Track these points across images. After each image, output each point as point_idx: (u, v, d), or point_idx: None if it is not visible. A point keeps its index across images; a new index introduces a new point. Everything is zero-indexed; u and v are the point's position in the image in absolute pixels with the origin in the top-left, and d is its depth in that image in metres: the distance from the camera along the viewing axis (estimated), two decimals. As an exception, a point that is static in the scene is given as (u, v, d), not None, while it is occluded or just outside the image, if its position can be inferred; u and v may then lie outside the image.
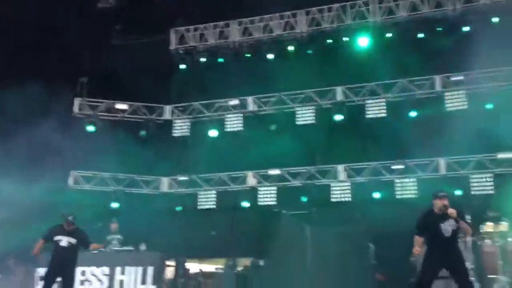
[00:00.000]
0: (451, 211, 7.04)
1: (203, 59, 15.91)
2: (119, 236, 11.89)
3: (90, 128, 15.29)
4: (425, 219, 7.36)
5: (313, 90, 14.86)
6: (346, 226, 12.61)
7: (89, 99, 15.63)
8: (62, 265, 8.88)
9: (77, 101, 15.50)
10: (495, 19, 13.44)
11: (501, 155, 12.92)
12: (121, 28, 15.95)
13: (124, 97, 15.63)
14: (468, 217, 9.64)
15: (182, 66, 16.00)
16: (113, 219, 12.09)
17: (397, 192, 13.30)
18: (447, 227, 7.17)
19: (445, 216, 7.15)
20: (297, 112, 14.77)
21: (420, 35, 14.02)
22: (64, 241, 8.94)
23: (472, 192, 12.77)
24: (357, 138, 13.72)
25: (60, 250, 8.93)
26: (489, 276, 9.24)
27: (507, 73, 13.36)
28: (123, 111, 15.83)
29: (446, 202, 7.15)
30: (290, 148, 14.01)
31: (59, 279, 8.99)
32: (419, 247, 7.28)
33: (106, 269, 11.00)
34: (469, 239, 9.60)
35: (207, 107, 15.83)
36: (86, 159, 14.67)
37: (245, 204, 14.55)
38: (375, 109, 14.07)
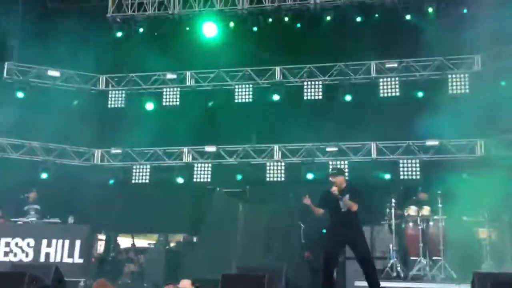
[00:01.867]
0: (334, 188, 7.55)
1: (141, 29, 15.53)
2: (37, 206, 11.60)
3: (20, 95, 14.65)
4: (325, 195, 7.80)
5: (252, 68, 14.85)
6: (279, 205, 12.87)
7: (19, 64, 14.94)
8: None
9: (6, 65, 14.76)
10: (430, 9, 13.85)
11: (429, 142, 13.48)
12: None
13: (57, 63, 15.02)
14: (393, 201, 10.15)
15: (119, 35, 15.51)
16: (32, 189, 11.76)
17: (331, 174, 13.59)
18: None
19: (342, 193, 7.61)
20: (235, 90, 14.74)
21: (358, 19, 14.23)
22: None
23: (401, 177, 13.28)
24: (293, 118, 13.85)
25: None
26: (411, 257, 9.75)
27: (438, 63, 13.89)
28: (55, 78, 15.24)
29: (332, 179, 7.66)
30: (227, 126, 14.02)
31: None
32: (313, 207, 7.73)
33: (31, 241, 10.75)
34: (393, 222, 10.08)
35: (144, 80, 15.51)
36: (15, 127, 14.09)
37: (180, 180, 14.47)
38: (312, 91, 14.26)
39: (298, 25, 14.58)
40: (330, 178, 7.86)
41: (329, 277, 7.79)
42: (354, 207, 7.60)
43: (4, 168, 13.62)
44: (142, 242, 16.13)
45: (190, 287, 5.10)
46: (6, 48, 14.82)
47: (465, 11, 13.30)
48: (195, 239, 13.81)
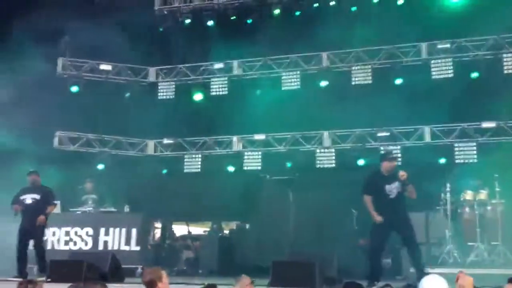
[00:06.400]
0: (402, 173, 7.33)
1: (187, 21, 15.74)
2: (94, 196, 11.97)
3: (74, 89, 15.10)
4: (371, 179, 7.63)
5: (298, 55, 14.73)
6: (330, 191, 12.78)
7: (72, 59, 15.35)
8: (30, 223, 8.95)
9: (60, 61, 15.21)
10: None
11: (485, 124, 13.03)
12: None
13: (107, 57, 15.37)
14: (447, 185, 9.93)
15: (167, 27, 15.76)
16: (87, 179, 12.14)
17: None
18: (392, 188, 7.44)
19: (390, 178, 7.41)
20: (283, 77, 14.69)
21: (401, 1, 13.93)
22: (28, 198, 9.06)
23: (456, 161, 12.91)
24: (342, 104, 13.65)
25: (26, 208, 9.02)
26: (468, 243, 9.52)
27: (493, 42, 13.39)
28: (107, 72, 15.61)
29: (395, 164, 7.48)
30: (276, 114, 13.99)
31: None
32: (372, 209, 7.53)
33: (90, 230, 11.12)
34: (448, 207, 9.85)
35: (192, 70, 15.68)
36: (71, 120, 14.51)
37: (231, 168, 14.61)
38: (361, 75, 14.03)
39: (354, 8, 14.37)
40: (391, 162, 7.61)
41: (378, 265, 7.67)
42: (415, 194, 7.49)
43: (62, 160, 14.06)
44: (196, 229, 16.41)
45: (249, 285, 5.34)
46: (59, 44, 15.20)
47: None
48: (247, 226, 13.93)
